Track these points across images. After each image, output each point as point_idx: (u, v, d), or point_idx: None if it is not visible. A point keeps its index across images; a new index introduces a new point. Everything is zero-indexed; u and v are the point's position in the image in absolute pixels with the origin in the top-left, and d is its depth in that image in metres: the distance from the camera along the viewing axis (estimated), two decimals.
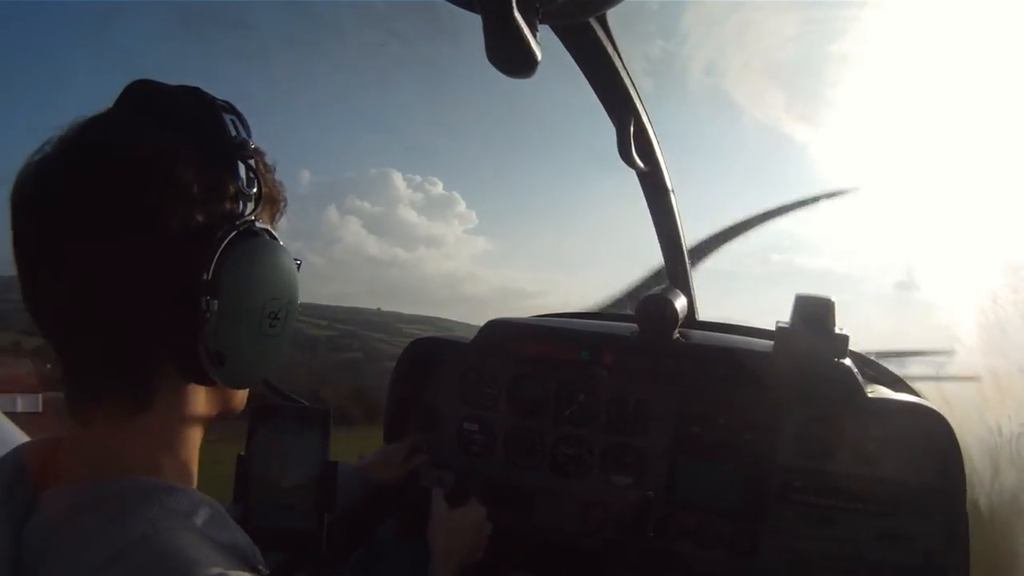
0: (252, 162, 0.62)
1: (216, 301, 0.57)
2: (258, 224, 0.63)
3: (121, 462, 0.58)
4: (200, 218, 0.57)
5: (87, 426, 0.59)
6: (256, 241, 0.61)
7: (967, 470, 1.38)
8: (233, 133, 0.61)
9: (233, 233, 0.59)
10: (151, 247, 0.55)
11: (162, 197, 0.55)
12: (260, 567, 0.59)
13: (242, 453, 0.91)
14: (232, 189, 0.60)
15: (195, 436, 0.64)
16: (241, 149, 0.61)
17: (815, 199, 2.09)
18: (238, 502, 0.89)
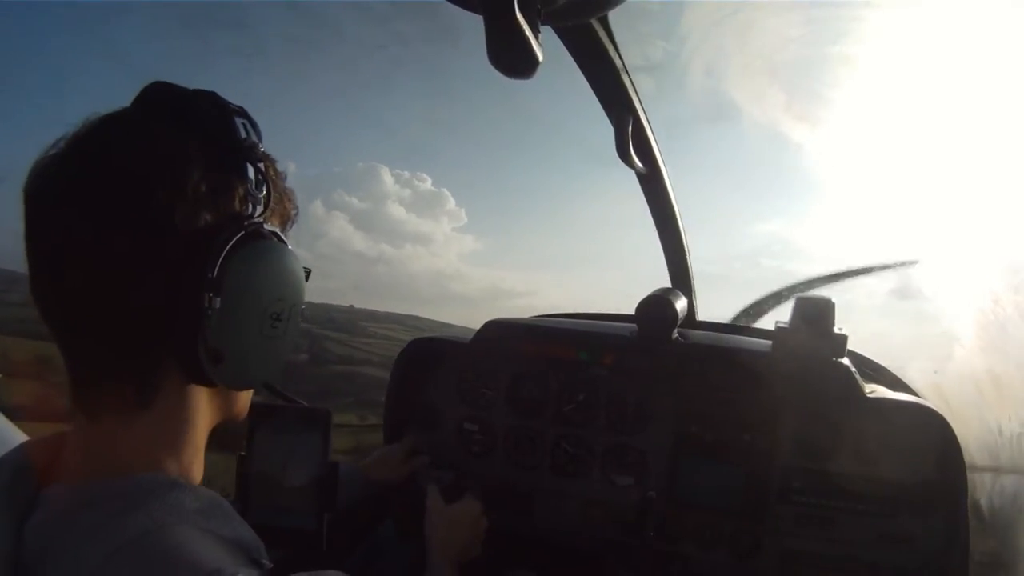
0: (261, 165, 0.63)
1: (219, 299, 0.57)
2: (266, 227, 0.63)
3: (124, 459, 0.58)
4: (207, 217, 0.58)
5: (91, 422, 0.59)
6: (263, 243, 0.62)
7: (968, 470, 1.38)
8: (243, 136, 0.62)
9: (240, 233, 0.59)
10: (157, 244, 0.56)
11: (169, 195, 0.56)
12: (264, 560, 0.59)
13: (242, 453, 0.91)
14: (241, 191, 0.61)
15: (199, 437, 0.64)
16: (250, 152, 0.62)
17: (881, 267, 2.12)
18: (238, 502, 0.89)
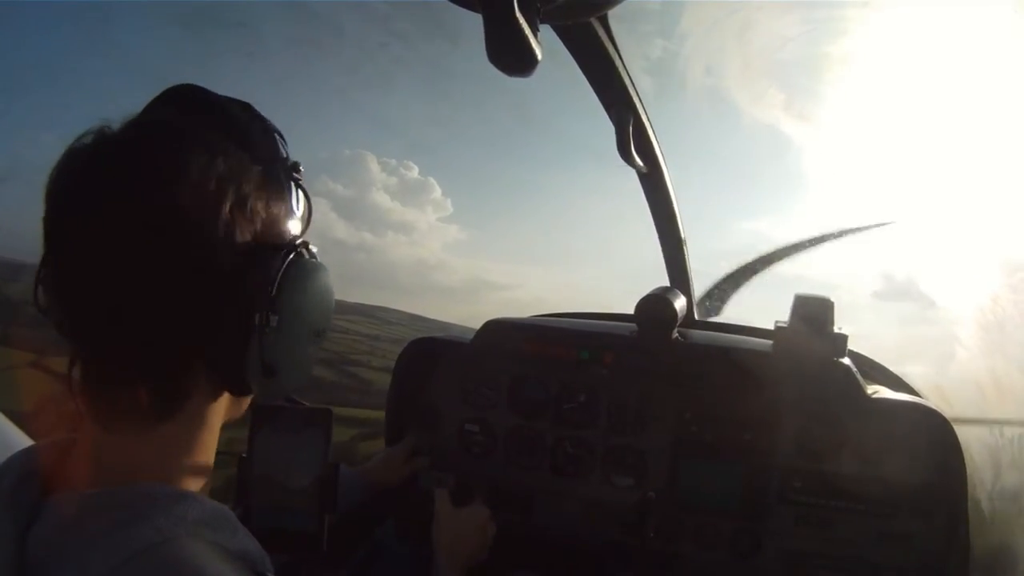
0: (302, 183, 0.66)
1: (276, 316, 0.59)
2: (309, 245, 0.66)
3: (132, 468, 0.57)
4: (260, 234, 0.60)
5: (104, 429, 0.57)
6: (309, 262, 0.64)
7: (968, 470, 1.38)
8: (284, 155, 0.65)
9: (293, 252, 0.62)
10: (212, 258, 0.56)
11: (231, 210, 0.57)
12: (268, 573, 0.59)
13: (243, 454, 0.91)
14: (286, 209, 0.64)
15: (212, 441, 0.64)
16: (294, 171, 0.65)
17: (855, 230, 2.09)
18: (239, 503, 0.89)
